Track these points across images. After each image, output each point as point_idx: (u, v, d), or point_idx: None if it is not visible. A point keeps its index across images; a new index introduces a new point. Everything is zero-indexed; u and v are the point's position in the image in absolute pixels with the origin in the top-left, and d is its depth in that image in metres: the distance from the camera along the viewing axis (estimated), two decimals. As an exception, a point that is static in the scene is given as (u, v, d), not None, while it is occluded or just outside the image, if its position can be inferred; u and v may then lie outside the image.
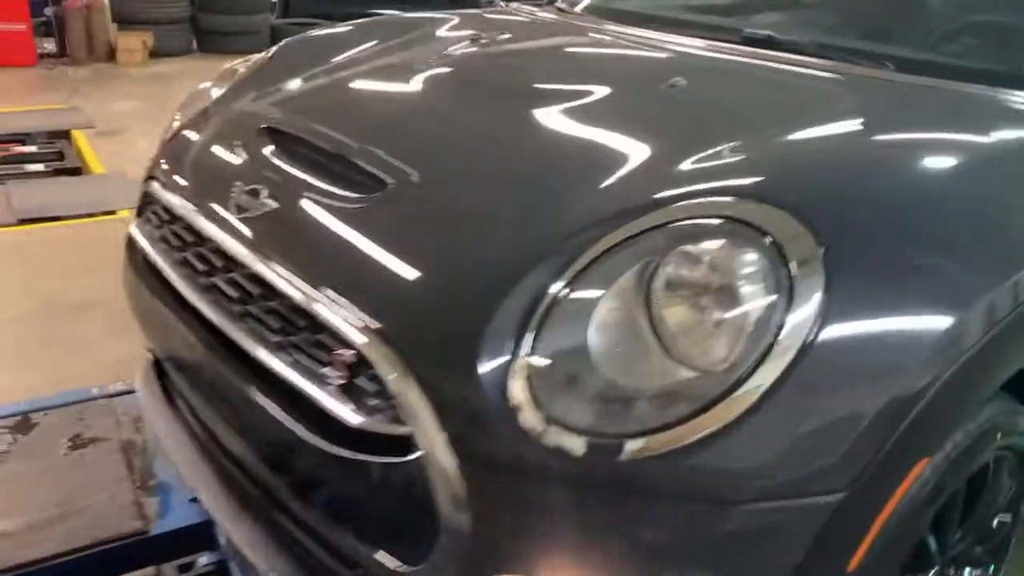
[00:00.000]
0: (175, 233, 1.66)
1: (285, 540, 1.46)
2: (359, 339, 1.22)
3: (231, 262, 1.47)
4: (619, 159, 1.37)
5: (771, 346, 1.10)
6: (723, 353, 1.11)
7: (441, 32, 2.22)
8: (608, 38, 2.07)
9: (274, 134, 1.68)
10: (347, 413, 1.22)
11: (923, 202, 1.30)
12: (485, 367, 1.14)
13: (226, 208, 1.52)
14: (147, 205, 1.82)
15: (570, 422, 1.12)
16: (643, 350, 1.14)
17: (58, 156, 5.17)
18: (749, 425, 1.09)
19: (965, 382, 1.22)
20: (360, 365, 1.23)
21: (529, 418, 1.12)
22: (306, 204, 1.45)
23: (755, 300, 1.12)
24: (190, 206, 1.62)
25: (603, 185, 1.31)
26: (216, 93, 2.07)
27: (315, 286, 1.31)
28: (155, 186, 1.77)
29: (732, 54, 1.86)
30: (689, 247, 1.16)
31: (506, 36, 2.12)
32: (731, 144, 1.36)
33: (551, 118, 1.56)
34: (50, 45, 8.31)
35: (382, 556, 1.25)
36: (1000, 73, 1.64)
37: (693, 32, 2.00)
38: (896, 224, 1.24)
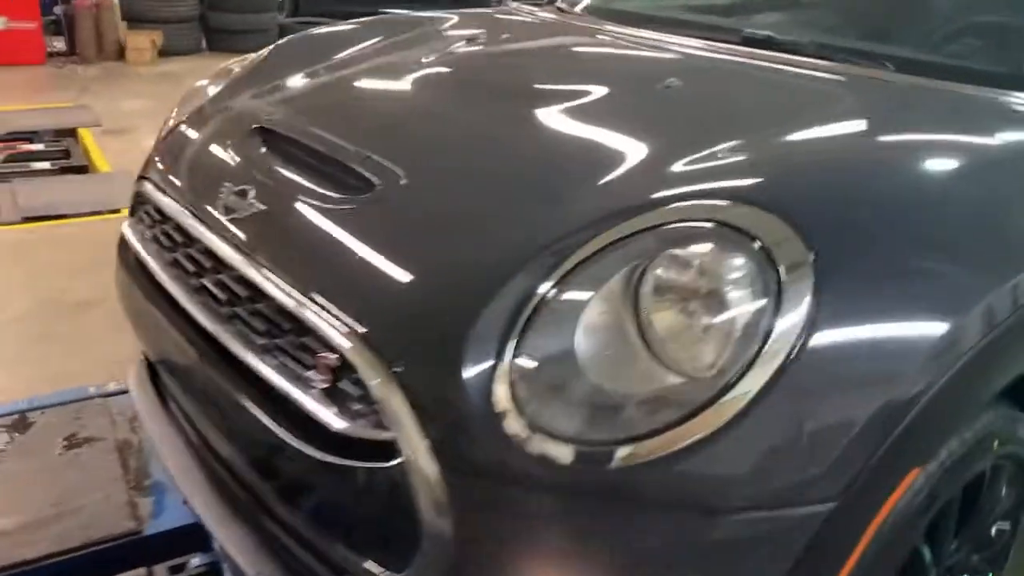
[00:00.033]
0: (166, 233, 1.66)
1: (273, 544, 1.45)
2: (343, 343, 1.20)
3: (219, 264, 1.46)
4: (608, 161, 1.35)
5: (759, 352, 1.08)
6: (711, 358, 1.09)
7: (437, 31, 2.20)
8: (605, 38, 2.05)
9: (265, 134, 1.67)
10: (330, 417, 1.20)
11: (919, 205, 1.28)
12: (468, 372, 1.12)
13: (214, 209, 1.51)
14: (139, 205, 1.81)
15: (555, 429, 1.10)
16: (630, 355, 1.12)
17: (64, 154, 5.18)
18: (737, 432, 1.07)
19: (960, 389, 1.20)
20: (344, 369, 1.21)
21: (513, 425, 1.10)
22: (293, 205, 1.43)
23: (743, 305, 1.10)
24: (179, 206, 1.61)
25: (590, 187, 1.30)
26: (212, 91, 2.06)
27: (300, 289, 1.30)
28: (147, 186, 1.76)
29: (730, 55, 1.84)
30: (677, 251, 1.14)
31: (500, 37, 2.10)
32: (723, 146, 1.34)
33: (542, 119, 1.54)
34: (60, 44, 8.35)
35: (366, 562, 1.23)
36: (1000, 74, 1.61)
37: (691, 32, 1.98)
38: (890, 227, 1.21)
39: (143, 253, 1.69)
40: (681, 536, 1.10)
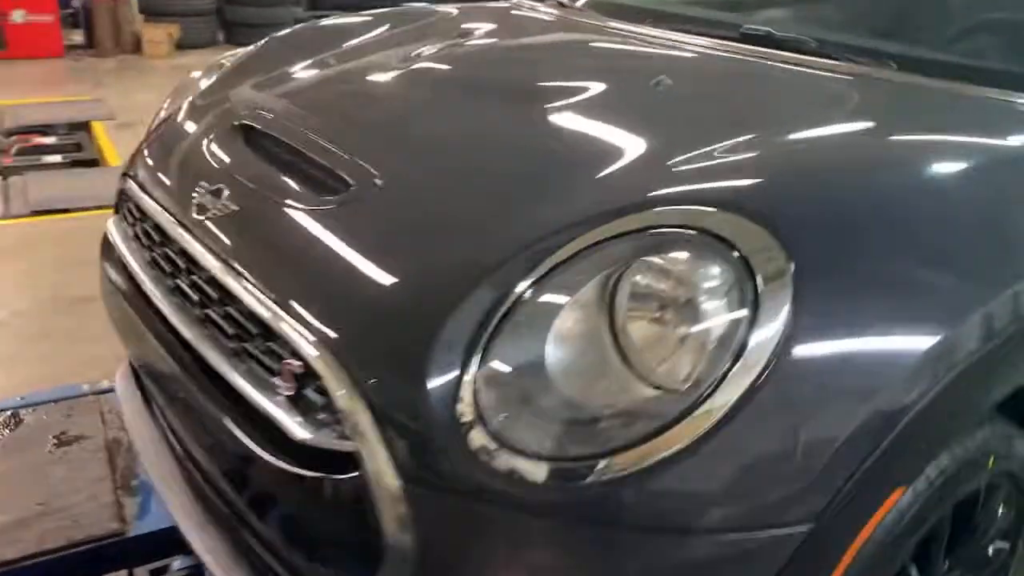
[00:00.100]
0: (145, 232, 1.63)
1: (246, 553, 1.42)
2: (308, 351, 1.17)
3: (192, 264, 1.43)
4: (587, 162, 1.31)
5: (733, 364, 1.03)
6: (685, 370, 1.05)
7: (434, 27, 2.16)
8: (600, 35, 1.99)
9: (247, 131, 1.64)
10: (293, 426, 1.16)
11: (912, 212, 1.22)
12: (433, 383, 1.08)
13: (189, 208, 1.48)
14: (123, 202, 1.78)
15: (522, 443, 1.06)
16: (603, 366, 1.08)
17: (76, 148, 5.20)
18: (708, 448, 1.02)
19: (951, 403, 1.15)
20: (308, 377, 1.17)
21: (478, 438, 1.06)
22: (266, 206, 1.40)
23: (718, 316, 1.05)
24: (157, 204, 1.58)
25: (564, 191, 1.25)
26: (202, 86, 2.03)
27: (267, 293, 1.26)
28: (129, 183, 1.74)
29: (727, 52, 1.78)
30: (653, 258, 1.10)
31: (494, 33, 2.05)
32: (708, 148, 1.28)
33: (525, 118, 1.50)
34: (78, 37, 8.40)
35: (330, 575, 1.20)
36: (1005, 74, 1.55)
37: (689, 29, 1.92)
38: (880, 236, 1.16)
39: (124, 252, 1.67)
40: (648, 557, 1.06)
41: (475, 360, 1.08)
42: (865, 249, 1.14)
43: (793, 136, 1.36)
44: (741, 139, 1.32)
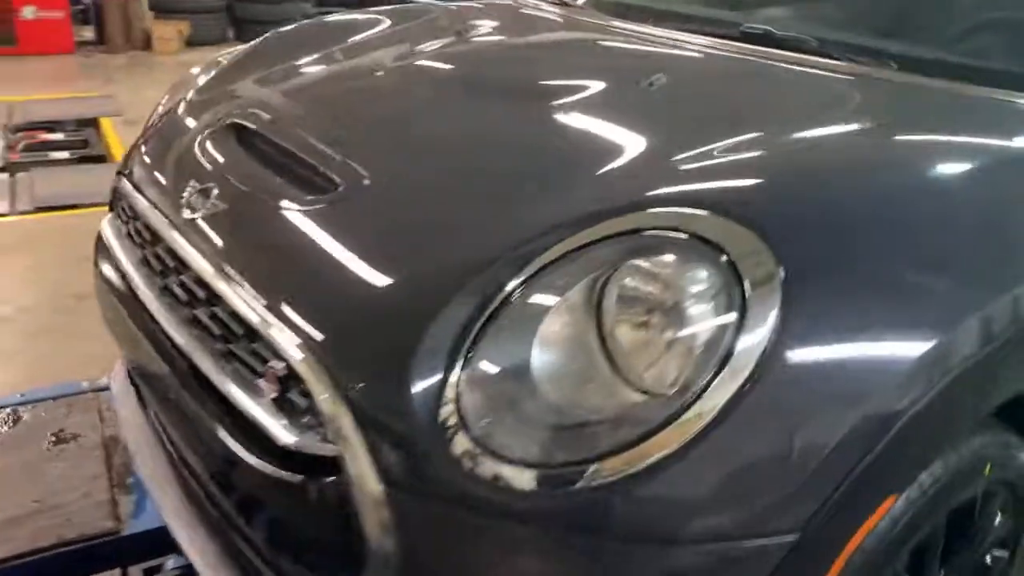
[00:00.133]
0: (137, 231, 1.62)
1: (233, 553, 1.41)
2: (291, 353, 1.15)
3: (181, 264, 1.42)
4: (576, 164, 1.29)
5: (720, 370, 1.01)
6: (672, 375, 1.03)
7: (431, 25, 2.15)
8: (598, 34, 1.97)
9: (238, 130, 1.63)
10: (277, 430, 1.15)
11: (909, 216, 1.19)
12: (416, 387, 1.07)
13: (178, 207, 1.47)
14: (117, 200, 1.78)
15: (506, 449, 1.04)
16: (590, 370, 1.06)
17: (83, 144, 5.22)
18: (694, 455, 1.00)
19: (944, 411, 1.12)
20: (292, 379, 1.16)
21: (461, 444, 1.05)
22: (253, 206, 1.39)
23: (705, 320, 1.03)
24: (148, 203, 1.57)
25: (552, 193, 1.23)
26: (199, 83, 2.03)
27: (252, 294, 1.25)
28: (123, 181, 1.73)
29: (726, 51, 1.76)
30: (640, 261, 1.08)
31: (491, 32, 2.04)
32: (698, 150, 1.27)
33: (515, 118, 1.48)
34: (88, 33, 8.43)
35: (314, 579, 1.19)
36: (1008, 74, 1.52)
37: (689, 27, 1.89)
38: (874, 239, 1.14)
39: (116, 251, 1.66)
40: (633, 566, 1.04)
41: (459, 364, 1.07)
42: (858, 252, 1.12)
43: (787, 137, 1.34)
44: (733, 140, 1.30)
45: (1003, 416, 1.31)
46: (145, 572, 1.87)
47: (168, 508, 1.56)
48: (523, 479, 1.03)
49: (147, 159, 1.73)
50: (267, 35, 2.21)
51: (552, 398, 1.05)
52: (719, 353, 1.02)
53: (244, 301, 1.25)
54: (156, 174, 1.66)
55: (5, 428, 2.30)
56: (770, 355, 1.02)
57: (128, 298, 1.58)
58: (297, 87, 1.82)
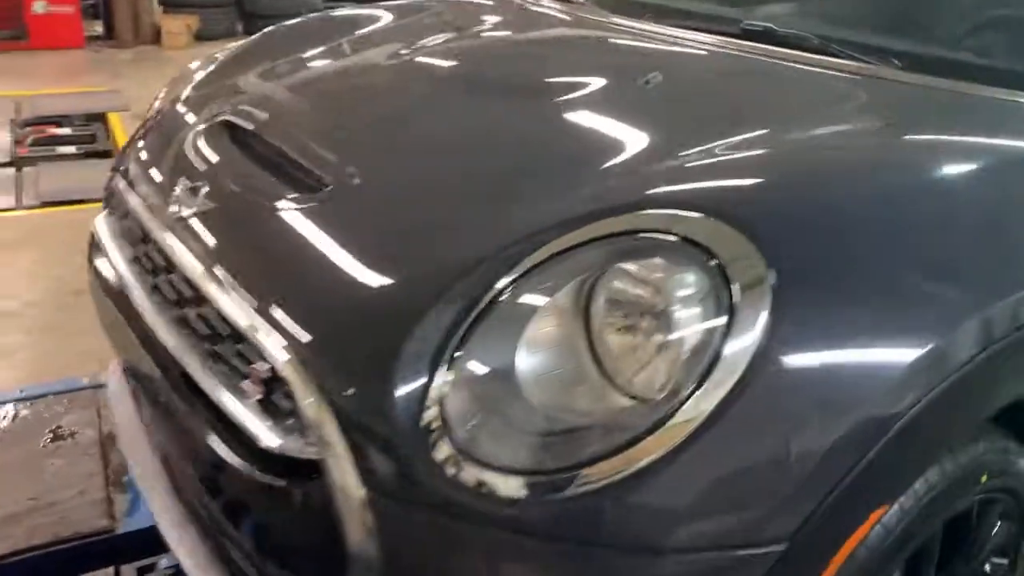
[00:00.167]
0: (129, 229, 1.61)
1: (221, 554, 1.40)
2: (276, 356, 1.14)
3: (169, 263, 1.41)
4: (566, 164, 1.27)
5: (706, 375, 0.99)
6: (660, 380, 1.01)
7: (430, 21, 2.12)
8: (597, 31, 1.95)
9: (230, 128, 1.61)
10: (261, 432, 1.14)
11: (902, 218, 1.17)
12: (400, 392, 1.05)
13: (168, 205, 1.46)
14: (110, 197, 1.77)
15: (489, 455, 1.02)
16: (577, 374, 1.04)
17: (90, 139, 5.22)
18: (679, 462, 0.98)
19: (939, 418, 1.10)
20: (276, 382, 1.15)
21: (444, 450, 1.03)
22: (241, 205, 1.38)
23: (692, 325, 1.01)
24: (139, 200, 1.56)
25: (540, 195, 1.21)
26: (197, 78, 2.01)
27: (238, 294, 1.24)
28: (117, 178, 1.72)
29: (726, 48, 1.73)
30: (627, 264, 1.06)
31: (488, 29, 2.01)
32: (690, 150, 1.24)
33: (508, 118, 1.46)
34: (98, 28, 8.44)
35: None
36: (1010, 73, 1.49)
37: (689, 24, 1.87)
38: (867, 243, 1.11)
39: (109, 248, 1.65)
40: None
41: (443, 367, 1.05)
42: (853, 255, 1.10)
43: (784, 137, 1.31)
44: (728, 140, 1.27)
45: (1002, 421, 1.29)
46: (139, 571, 1.86)
47: (158, 508, 1.54)
48: (507, 486, 1.02)
49: (140, 156, 1.73)
50: (266, 30, 2.19)
51: (538, 403, 1.03)
52: (707, 358, 1.00)
53: (230, 302, 1.24)
54: (148, 171, 1.64)
55: (4, 424, 2.30)
56: (759, 360, 1.00)
57: (119, 296, 1.57)
58: (292, 84, 1.81)
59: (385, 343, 1.08)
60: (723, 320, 1.01)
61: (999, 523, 1.37)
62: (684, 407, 0.99)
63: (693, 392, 0.99)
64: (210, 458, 1.25)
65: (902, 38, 1.65)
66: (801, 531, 1.01)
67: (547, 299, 1.07)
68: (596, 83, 1.56)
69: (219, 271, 1.29)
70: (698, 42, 1.78)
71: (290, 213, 1.31)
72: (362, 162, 1.37)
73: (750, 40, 1.74)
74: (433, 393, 1.04)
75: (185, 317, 1.35)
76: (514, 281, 1.08)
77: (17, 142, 5.08)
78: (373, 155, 1.41)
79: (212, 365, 1.26)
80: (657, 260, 1.05)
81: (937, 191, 1.25)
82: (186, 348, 1.31)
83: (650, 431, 1.00)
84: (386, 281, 1.16)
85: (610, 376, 1.03)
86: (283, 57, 1.96)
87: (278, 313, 1.18)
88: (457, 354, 1.05)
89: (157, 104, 2.01)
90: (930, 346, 1.07)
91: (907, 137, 1.38)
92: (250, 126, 1.57)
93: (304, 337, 1.14)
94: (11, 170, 4.67)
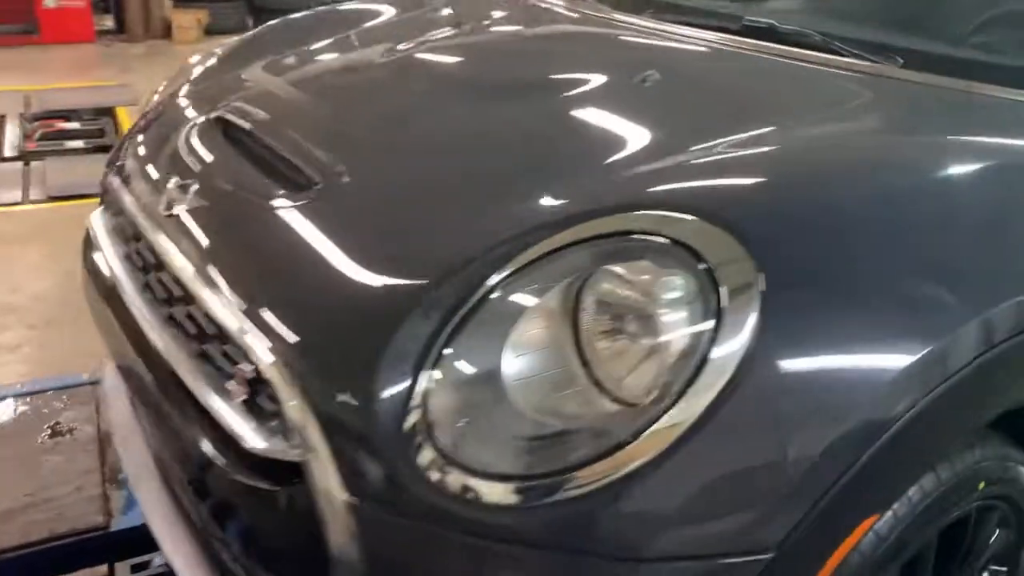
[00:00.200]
0: (122, 227, 1.60)
1: (210, 554, 1.39)
2: (261, 357, 1.12)
3: (159, 261, 1.40)
4: (558, 164, 1.25)
5: (692, 380, 0.97)
6: (646, 384, 0.99)
7: (429, 17, 2.10)
8: (596, 27, 1.93)
9: (224, 124, 1.60)
10: (245, 433, 1.13)
11: (898, 220, 1.14)
12: (383, 396, 1.03)
13: (159, 203, 1.45)
14: (105, 194, 1.76)
15: (473, 461, 1.01)
16: (564, 378, 1.03)
17: (99, 133, 5.22)
18: (664, 469, 0.97)
19: (933, 424, 1.08)
20: (261, 383, 1.14)
21: (427, 455, 1.01)
22: (230, 204, 1.36)
23: (678, 329, 0.99)
24: (132, 197, 1.55)
25: (531, 194, 1.19)
26: (195, 73, 2.00)
27: (224, 294, 1.22)
28: (111, 175, 1.71)
29: (726, 45, 1.70)
30: (615, 266, 1.04)
31: (486, 25, 1.99)
32: (683, 150, 1.22)
33: (500, 116, 1.44)
34: (109, 22, 8.46)
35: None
36: (1017, 70, 1.46)
37: (691, 20, 1.84)
38: (863, 245, 1.09)
39: (103, 245, 1.64)
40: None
41: (426, 371, 1.03)
42: (846, 258, 1.08)
43: (778, 137, 1.29)
44: (724, 140, 1.25)
45: (1003, 427, 1.26)
46: (132, 568, 1.85)
47: (150, 507, 1.54)
48: (493, 492, 1.00)
49: (134, 152, 1.72)
50: (266, 24, 2.18)
51: (523, 406, 1.02)
52: (694, 362, 0.98)
53: (216, 301, 1.22)
54: (141, 168, 1.63)
55: (2, 419, 2.30)
56: (747, 364, 0.98)
57: (112, 294, 1.56)
58: (287, 80, 1.79)
59: (369, 345, 1.07)
60: (711, 324, 0.99)
61: (997, 531, 1.34)
62: (670, 412, 0.97)
63: (680, 396, 0.98)
64: (197, 458, 1.24)
65: (905, 35, 1.62)
66: (789, 539, 0.99)
67: (535, 301, 1.05)
68: (592, 81, 1.54)
69: (206, 270, 1.27)
70: (698, 39, 1.76)
71: (278, 212, 1.30)
72: (350, 160, 1.35)
73: (751, 37, 1.72)
74: (416, 396, 1.03)
75: (174, 316, 1.34)
76: (500, 283, 1.06)
77: (26, 136, 5.10)
78: (361, 153, 1.39)
79: (199, 365, 1.25)
80: (645, 263, 1.03)
81: (935, 192, 1.22)
82: (174, 347, 1.30)
83: (636, 436, 0.98)
84: (371, 282, 1.15)
85: (598, 380, 1.01)
86: (281, 52, 1.95)
87: (264, 313, 1.17)
88: (441, 356, 1.04)
89: (156, 99, 2.00)
90: (924, 351, 1.04)
91: (908, 137, 1.35)
92: (243, 123, 1.56)
93: (288, 338, 1.13)
94: (19, 164, 4.68)
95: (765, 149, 1.25)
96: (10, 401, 2.34)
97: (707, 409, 0.97)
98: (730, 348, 0.98)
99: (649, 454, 0.97)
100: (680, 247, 1.04)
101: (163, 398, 1.33)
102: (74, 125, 5.33)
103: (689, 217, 1.07)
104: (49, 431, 2.25)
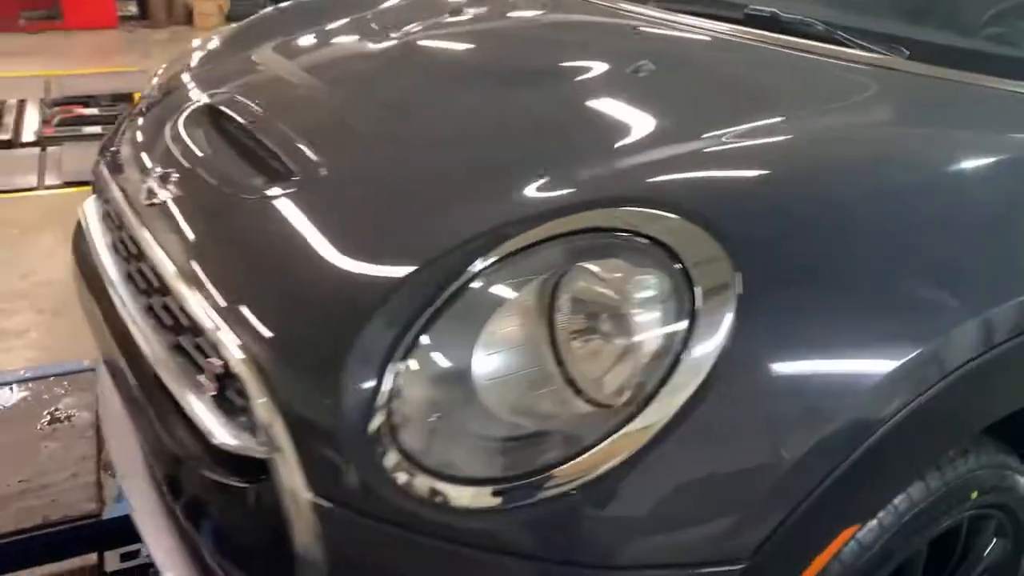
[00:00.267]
0: (108, 215, 1.59)
1: (190, 550, 1.38)
2: (231, 352, 1.10)
3: (140, 250, 1.38)
4: (540, 156, 1.21)
5: (664, 382, 0.94)
6: (618, 385, 0.96)
7: (422, 3, 2.07)
8: (596, 15, 1.88)
9: (212, 113, 1.58)
10: (214, 428, 1.11)
11: (892, 218, 1.10)
12: (349, 396, 1.00)
13: (141, 191, 1.43)
14: (97, 179, 1.75)
15: (441, 464, 0.98)
16: (537, 377, 0.99)
17: (116, 119, 5.23)
18: (634, 473, 0.93)
19: (920, 431, 1.03)
20: (230, 377, 1.11)
21: (392, 456, 0.98)
22: (208, 194, 1.34)
23: (651, 329, 0.96)
24: (118, 185, 1.54)
25: (501, 189, 1.16)
26: (193, 59, 1.98)
27: (199, 286, 1.20)
28: (101, 163, 1.70)
29: (726, 35, 1.66)
30: (589, 264, 1.00)
31: (481, 13, 1.95)
32: (667, 145, 1.18)
33: (480, 106, 1.41)
34: (132, 8, 8.49)
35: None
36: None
37: (691, 8, 1.79)
38: (845, 245, 1.05)
39: (91, 233, 1.63)
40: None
41: (393, 370, 1.00)
42: (831, 258, 1.04)
43: (767, 133, 1.24)
44: (708, 135, 1.21)
45: (1001, 434, 1.22)
46: (122, 557, 1.85)
47: (135, 498, 1.53)
48: (462, 496, 0.97)
49: (125, 139, 1.70)
50: (265, 10, 2.16)
51: (494, 407, 0.99)
52: (666, 363, 0.95)
53: (189, 294, 1.20)
54: (130, 155, 1.62)
55: (4, 404, 2.31)
56: (722, 366, 0.94)
57: (97, 282, 1.55)
58: (281, 67, 1.76)
59: (336, 343, 1.04)
60: (684, 324, 0.95)
61: (994, 541, 1.30)
62: (642, 413, 0.94)
63: (652, 398, 0.94)
64: (170, 452, 1.23)
65: (909, 25, 1.56)
66: (763, 549, 0.95)
67: (506, 299, 1.02)
68: (583, 70, 1.50)
69: (181, 261, 1.26)
70: (699, 28, 1.71)
71: (254, 203, 1.28)
72: (329, 152, 1.32)
73: (754, 27, 1.67)
74: (382, 396, 1.00)
75: (152, 306, 1.32)
76: (471, 279, 1.03)
77: (44, 121, 5.12)
78: (340, 145, 1.37)
79: (173, 357, 1.23)
80: (619, 261, 1.00)
81: (935, 189, 1.17)
82: (152, 338, 1.28)
83: (607, 438, 0.95)
84: (343, 277, 1.12)
85: (572, 379, 0.98)
86: (282, 37, 1.92)
87: (235, 307, 1.15)
88: (409, 355, 1.01)
89: (154, 82, 1.98)
90: (913, 353, 1.00)
91: (908, 132, 1.31)
92: (231, 112, 1.53)
93: (258, 333, 1.11)
94: (36, 149, 4.71)
95: (752, 144, 1.20)
96: (12, 387, 2.35)
97: (680, 411, 0.94)
98: (704, 349, 0.94)
99: (620, 456, 0.94)
100: (657, 245, 1.00)
101: (141, 390, 1.32)
102: (93, 111, 5.35)
103: (667, 214, 1.03)
104: (48, 417, 2.25)
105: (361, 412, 1.00)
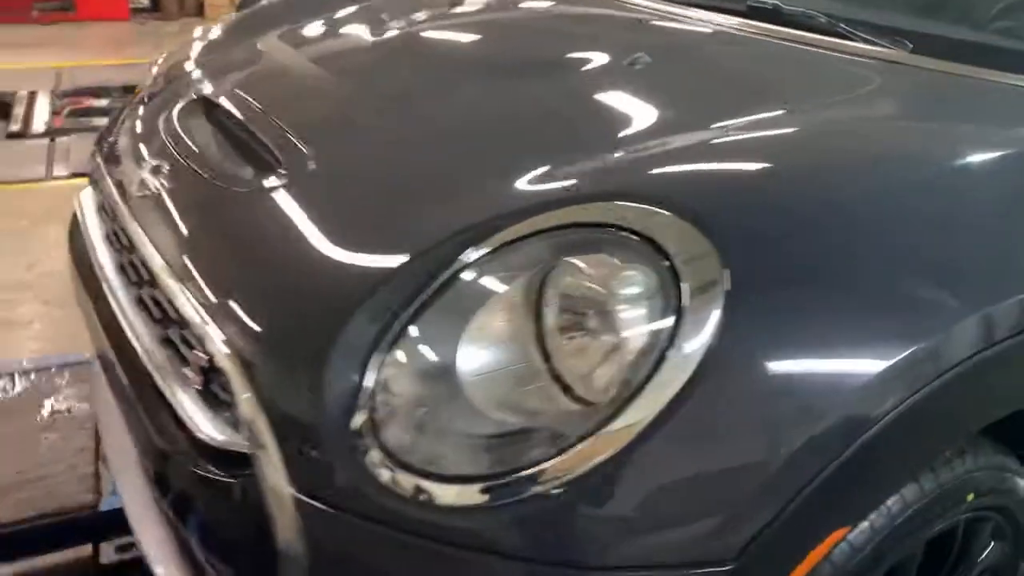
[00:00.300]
0: (102, 207, 1.58)
1: (180, 545, 1.37)
2: (216, 346, 1.09)
3: (131, 242, 1.37)
4: (532, 149, 1.20)
5: (649, 379, 0.92)
6: (603, 382, 0.94)
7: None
8: (594, 7, 1.86)
9: (206, 104, 1.57)
10: (199, 421, 1.10)
11: (889, 215, 1.07)
12: (332, 392, 0.99)
13: (133, 183, 1.42)
14: (92, 172, 1.74)
15: (424, 462, 0.96)
16: (524, 374, 0.98)
17: (124, 111, 5.25)
18: (617, 472, 0.92)
19: (913, 432, 1.01)
20: (215, 372, 1.11)
21: (375, 454, 0.97)
22: (198, 186, 1.33)
23: (636, 326, 0.94)
24: (111, 177, 1.53)
25: (488, 183, 1.14)
26: (191, 50, 1.98)
27: (186, 279, 1.19)
28: (96, 154, 1.69)
29: (727, 27, 1.63)
30: (574, 259, 0.99)
31: (482, 5, 1.93)
32: (661, 139, 1.16)
33: (472, 98, 1.39)
34: (144, 0, 8.51)
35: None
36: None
37: (697, 1, 1.77)
38: (839, 241, 1.03)
39: (86, 225, 1.63)
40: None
41: (376, 365, 0.99)
42: (822, 254, 1.02)
43: (762, 127, 1.21)
44: (702, 129, 1.19)
45: (1000, 435, 1.20)
46: (117, 549, 1.85)
47: (126, 490, 1.52)
48: (446, 493, 0.96)
49: (121, 130, 1.69)
50: (261, 4, 2.14)
51: (479, 403, 0.97)
52: (652, 360, 0.93)
53: (176, 286, 1.19)
54: (125, 146, 1.61)
55: (4, 395, 2.31)
56: (709, 364, 0.92)
57: (91, 273, 1.54)
58: (278, 58, 1.75)
59: (319, 338, 1.02)
60: (670, 321, 0.93)
61: (992, 543, 1.28)
62: (627, 411, 0.93)
63: (637, 395, 0.93)
64: (157, 445, 1.22)
65: (914, 18, 1.53)
66: (748, 550, 0.94)
67: (491, 294, 1.01)
68: (580, 63, 1.48)
69: (170, 254, 1.25)
70: (701, 20, 1.69)
71: (243, 195, 1.27)
72: (321, 144, 1.31)
73: (755, 19, 1.64)
74: (365, 392, 0.98)
75: (142, 298, 1.32)
76: (456, 274, 1.02)
77: (54, 113, 5.14)
78: (332, 136, 1.36)
79: (161, 349, 1.22)
80: (605, 256, 0.98)
81: (934, 185, 1.15)
82: (140, 330, 1.28)
83: (592, 435, 0.93)
84: (327, 272, 1.10)
85: (559, 375, 0.97)
86: (283, 26, 1.91)
87: (221, 301, 1.14)
88: (395, 347, 1.00)
89: (154, 72, 1.98)
90: (908, 351, 0.98)
91: (909, 127, 1.28)
92: (224, 103, 1.52)
93: (243, 327, 1.09)
94: (45, 140, 4.72)
95: (747, 139, 1.18)
96: (13, 378, 2.35)
97: (666, 409, 0.92)
98: (691, 346, 0.93)
99: (605, 454, 0.93)
100: (644, 241, 0.98)
101: (130, 382, 1.31)
102: (103, 102, 5.36)
103: (656, 209, 1.01)
104: (49, 408, 2.25)
105: (344, 408, 0.98)
